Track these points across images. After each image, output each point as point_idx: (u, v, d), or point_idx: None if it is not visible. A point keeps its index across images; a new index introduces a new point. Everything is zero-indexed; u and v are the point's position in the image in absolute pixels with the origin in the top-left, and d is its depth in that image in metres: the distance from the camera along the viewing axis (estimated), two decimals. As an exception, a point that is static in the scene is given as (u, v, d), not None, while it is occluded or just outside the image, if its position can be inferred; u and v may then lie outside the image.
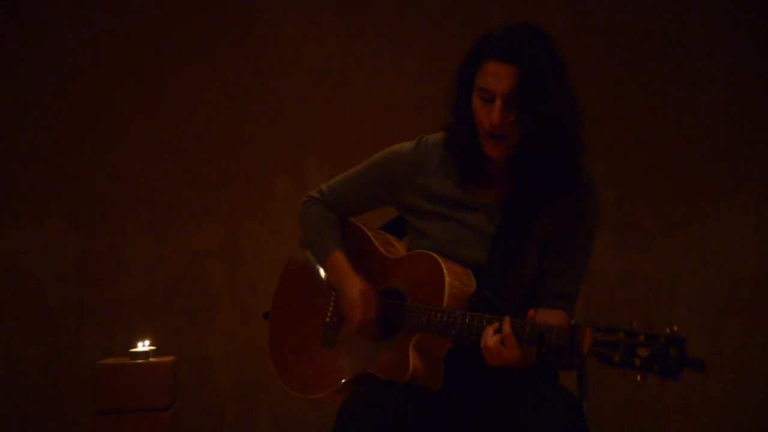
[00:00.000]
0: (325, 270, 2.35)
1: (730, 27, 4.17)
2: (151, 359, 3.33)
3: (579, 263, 2.23)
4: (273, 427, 4.10)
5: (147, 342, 3.40)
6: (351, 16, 4.22)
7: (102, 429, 3.26)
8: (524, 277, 2.18)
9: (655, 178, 4.18)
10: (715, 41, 4.17)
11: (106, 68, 4.15)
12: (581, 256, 2.23)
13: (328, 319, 2.34)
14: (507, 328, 1.97)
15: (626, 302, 4.14)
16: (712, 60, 4.17)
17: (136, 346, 3.37)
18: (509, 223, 2.18)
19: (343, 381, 2.20)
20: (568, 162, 2.16)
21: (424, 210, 2.26)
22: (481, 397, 2.15)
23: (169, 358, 3.38)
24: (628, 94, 4.19)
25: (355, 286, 2.24)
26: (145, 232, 4.13)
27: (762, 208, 4.15)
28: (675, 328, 1.75)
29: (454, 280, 2.12)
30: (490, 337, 1.99)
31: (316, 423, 4.01)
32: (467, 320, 2.04)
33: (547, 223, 2.18)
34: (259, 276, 4.07)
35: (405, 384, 2.09)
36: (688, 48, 4.18)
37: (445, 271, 2.11)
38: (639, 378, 1.76)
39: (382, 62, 4.19)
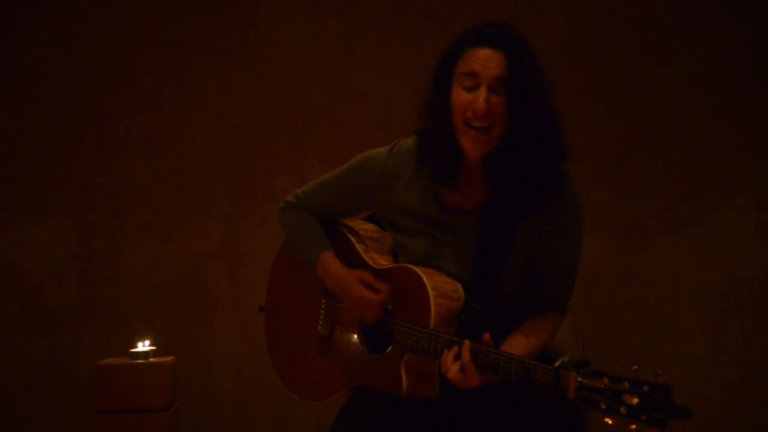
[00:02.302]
0: (317, 273, 2.30)
1: (730, 28, 4.17)
2: (151, 359, 3.33)
3: (568, 269, 2.15)
4: (273, 427, 4.10)
5: (147, 342, 3.40)
6: (351, 16, 4.22)
7: (102, 429, 3.26)
8: (511, 289, 2.13)
9: (655, 178, 4.18)
10: (715, 42, 4.17)
11: (107, 68, 4.15)
12: (570, 261, 2.15)
13: (320, 328, 2.32)
14: (466, 356, 1.95)
15: (626, 302, 4.14)
16: (712, 60, 4.17)
17: (136, 346, 3.37)
18: (490, 236, 2.11)
19: (339, 392, 2.20)
20: (549, 167, 2.06)
21: (401, 225, 2.20)
22: (478, 401, 2.13)
23: (169, 358, 3.38)
24: (628, 94, 4.19)
25: (354, 282, 2.19)
26: (145, 232, 4.13)
27: (762, 208, 4.15)
28: (659, 374, 1.71)
29: (440, 298, 2.06)
30: (450, 366, 1.96)
31: (316, 423, 4.01)
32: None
33: (529, 232, 2.11)
34: (259, 276, 4.05)
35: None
36: (688, 48, 4.18)
37: (429, 291, 2.06)
38: (627, 425, 1.73)
39: (382, 62, 4.19)
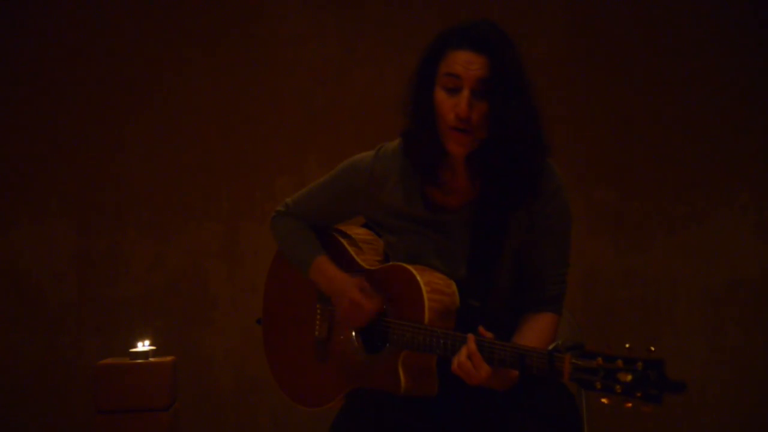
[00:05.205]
0: (310, 279, 2.31)
1: (730, 27, 4.17)
2: (151, 359, 3.34)
3: (559, 263, 2.17)
4: (273, 427, 4.10)
5: (147, 342, 3.40)
6: (351, 16, 4.22)
7: (102, 429, 3.27)
8: (506, 284, 2.15)
9: (655, 178, 4.18)
10: (715, 41, 4.17)
11: (106, 68, 4.15)
12: (561, 255, 2.17)
13: (317, 333, 2.32)
14: (472, 345, 1.95)
15: (626, 302, 4.14)
16: (712, 59, 4.17)
17: (136, 346, 3.37)
18: (481, 232, 2.13)
19: (339, 396, 2.20)
20: (532, 163, 2.08)
21: (391, 225, 2.22)
22: (477, 398, 2.13)
23: (169, 358, 3.38)
24: (628, 93, 4.19)
25: (350, 286, 2.19)
26: (145, 232, 4.14)
27: (762, 208, 4.15)
28: (652, 349, 1.72)
29: (433, 294, 2.07)
30: (463, 357, 1.96)
31: (316, 423, 4.00)
32: (449, 342, 2.01)
33: (519, 227, 2.13)
34: (259, 276, 4.03)
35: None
36: (688, 47, 4.18)
37: (422, 287, 2.07)
38: (623, 403, 1.74)
39: (382, 62, 4.19)
